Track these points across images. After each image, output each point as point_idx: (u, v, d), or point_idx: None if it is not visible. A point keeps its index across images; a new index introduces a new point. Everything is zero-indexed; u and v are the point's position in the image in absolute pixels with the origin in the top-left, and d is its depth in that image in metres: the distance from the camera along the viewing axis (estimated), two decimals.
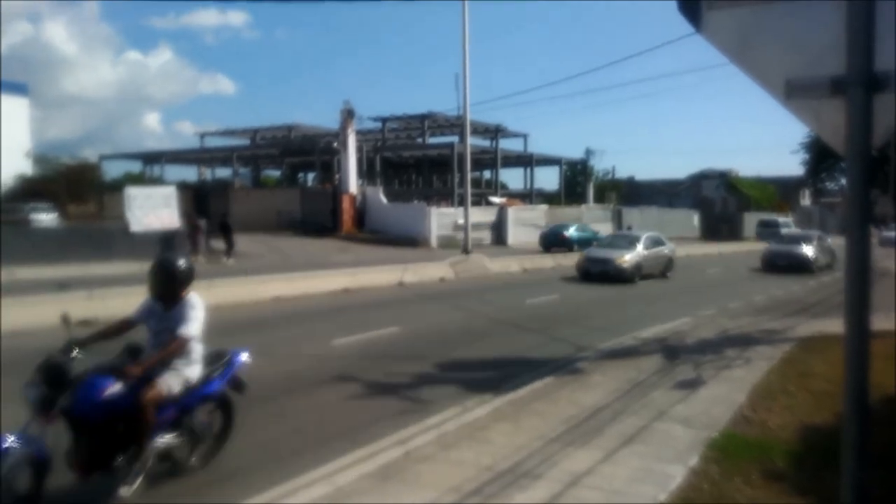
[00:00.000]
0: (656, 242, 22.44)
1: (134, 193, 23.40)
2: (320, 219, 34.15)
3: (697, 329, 11.72)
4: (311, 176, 57.49)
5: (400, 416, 6.58)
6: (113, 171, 72.38)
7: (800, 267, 23.97)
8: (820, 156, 56.37)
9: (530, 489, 4.61)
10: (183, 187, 29.53)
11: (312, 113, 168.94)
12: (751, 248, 41.48)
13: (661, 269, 21.87)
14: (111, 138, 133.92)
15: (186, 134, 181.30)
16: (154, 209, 22.95)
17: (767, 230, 42.47)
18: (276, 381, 8.04)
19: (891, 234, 45.55)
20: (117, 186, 34.68)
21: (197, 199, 30.10)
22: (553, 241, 32.06)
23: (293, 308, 14.09)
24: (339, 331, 11.14)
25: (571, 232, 32.62)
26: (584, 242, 29.69)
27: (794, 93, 2.44)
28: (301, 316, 13.23)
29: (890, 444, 5.14)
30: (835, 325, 10.19)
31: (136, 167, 58.34)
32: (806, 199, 71.42)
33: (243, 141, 55.52)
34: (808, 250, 24.91)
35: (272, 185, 58.57)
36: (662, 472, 4.91)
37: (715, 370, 8.29)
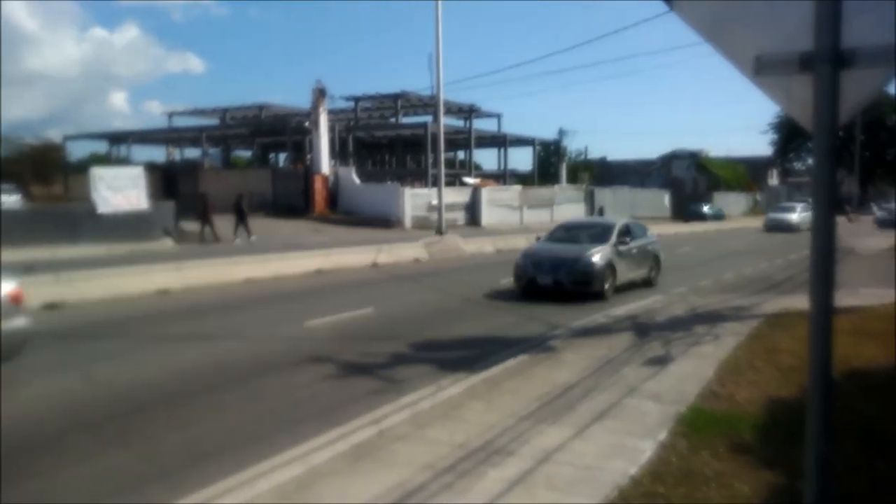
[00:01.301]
0: (635, 234, 15.27)
1: (100, 174, 22.87)
2: (292, 200, 33.79)
3: (668, 307, 11.89)
4: (282, 156, 56.74)
5: (374, 395, 6.59)
6: (78, 151, 70.42)
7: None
8: (788, 136, 57.33)
9: (503, 466, 4.66)
10: (151, 168, 28.94)
11: (284, 92, 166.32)
12: (719, 226, 42.22)
13: (643, 273, 15.09)
14: (76, 118, 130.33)
15: (154, 114, 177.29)
16: (121, 190, 22.49)
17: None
18: (247, 363, 8.00)
19: (886, 214, 45.62)
20: (83, 167, 33.89)
21: (165, 180, 29.56)
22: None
23: (265, 290, 13.98)
24: (312, 312, 11.08)
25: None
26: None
27: (763, 69, 2.44)
28: (273, 297, 13.13)
29: (852, 417, 5.29)
30: (801, 302, 10.43)
31: (102, 148, 56.97)
32: (774, 179, 72.61)
33: (213, 121, 54.47)
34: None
35: (243, 166, 57.75)
36: (633, 446, 4.99)
37: (685, 347, 8.42)
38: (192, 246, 22.08)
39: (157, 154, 59.13)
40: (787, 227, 36.12)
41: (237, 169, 52.63)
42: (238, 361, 8.13)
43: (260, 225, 26.47)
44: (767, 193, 64.56)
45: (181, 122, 55.31)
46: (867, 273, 16.74)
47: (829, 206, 2.29)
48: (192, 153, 58.24)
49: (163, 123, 56.53)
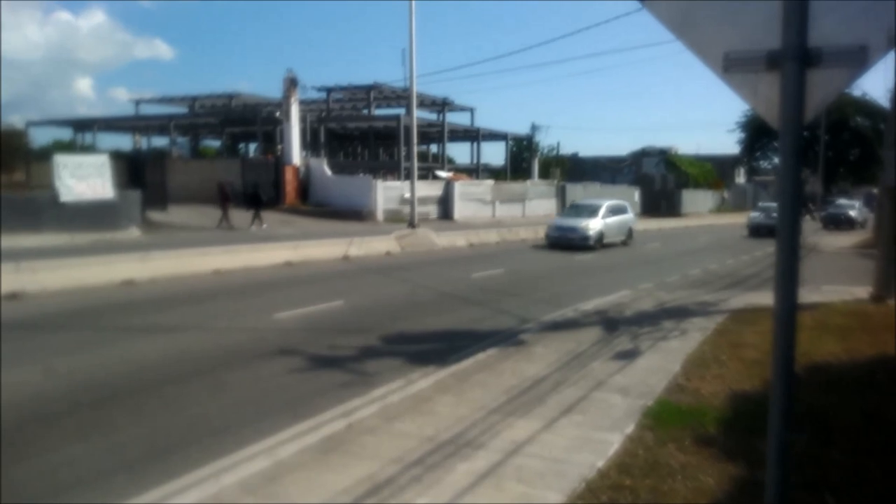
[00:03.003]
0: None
1: (63, 161, 22.27)
2: (263, 190, 33.39)
3: (636, 301, 12.04)
4: (252, 146, 56.01)
5: (343, 388, 6.55)
6: (41, 138, 68.78)
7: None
8: (755, 135, 58.35)
9: (472, 459, 4.67)
10: (116, 156, 28.27)
11: (254, 81, 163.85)
12: (687, 223, 42.87)
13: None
14: (40, 104, 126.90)
15: (121, 100, 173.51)
16: (85, 178, 21.95)
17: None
18: (214, 355, 7.90)
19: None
20: (46, 154, 32.98)
21: (131, 169, 28.89)
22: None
23: (234, 281, 13.80)
24: (281, 304, 10.98)
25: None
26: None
27: (731, 66, 2.47)
28: (242, 289, 12.97)
29: (812, 409, 5.42)
30: (765, 298, 10.66)
31: (66, 134, 55.58)
32: (741, 177, 73.90)
33: (181, 109, 53.46)
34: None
35: (212, 156, 56.81)
36: (600, 439, 5.04)
37: (652, 341, 8.53)
38: (158, 235, 21.70)
39: (124, 142, 58.00)
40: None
41: (206, 159, 51.73)
42: (204, 353, 8.02)
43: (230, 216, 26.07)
44: (734, 191, 65.67)
45: (148, 109, 54.20)
46: (830, 270, 17.16)
47: (795, 203, 2.33)
48: (159, 142, 57.20)
49: (129, 111, 55.28)
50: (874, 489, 4.12)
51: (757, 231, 31.90)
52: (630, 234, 25.53)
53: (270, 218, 26.31)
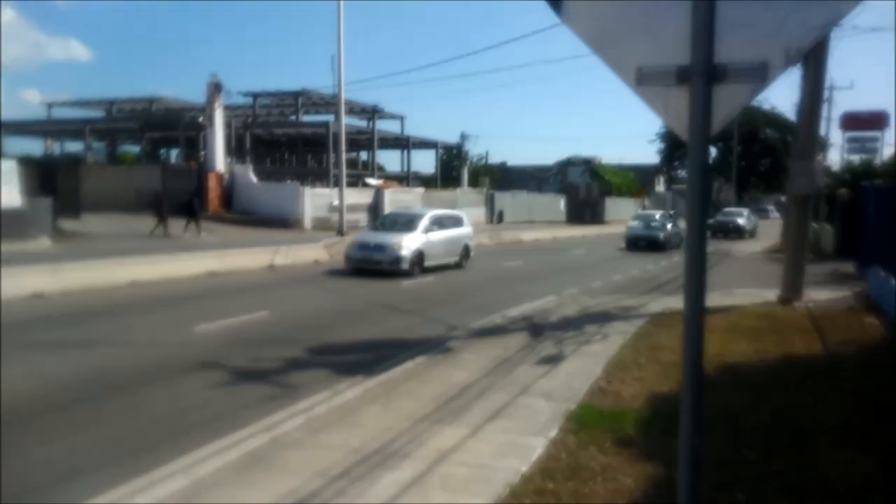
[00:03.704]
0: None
1: None
2: (184, 198, 32.31)
3: (561, 307, 12.30)
4: (174, 152, 54.13)
5: (267, 402, 6.39)
6: None
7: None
8: (673, 145, 60.88)
9: (398, 469, 4.63)
10: (26, 162, 26.73)
11: (177, 85, 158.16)
12: (611, 230, 44.20)
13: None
14: None
15: (33, 103, 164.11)
16: None
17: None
18: (130, 372, 7.55)
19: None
20: None
21: (43, 175, 27.34)
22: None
23: (152, 293, 13.26)
24: (203, 316, 10.62)
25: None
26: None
27: (644, 80, 2.56)
28: (161, 301, 12.47)
29: (725, 408, 5.66)
30: (682, 302, 11.08)
31: None
32: (661, 186, 76.88)
33: (98, 113, 51.14)
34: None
35: (130, 162, 54.56)
36: (525, 444, 5.10)
37: (576, 345, 8.73)
38: (71, 245, 20.61)
39: (35, 147, 54.99)
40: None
41: (124, 164, 49.64)
42: (121, 369, 7.65)
43: (148, 224, 25.08)
44: (655, 199, 68.19)
45: (62, 113, 51.56)
46: (742, 274, 18.05)
47: (703, 210, 2.43)
48: (73, 147, 54.48)
49: (42, 114, 52.46)
50: (782, 485, 4.33)
51: (635, 244, 27.64)
52: (466, 252, 19.60)
53: (192, 226, 25.43)
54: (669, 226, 28.72)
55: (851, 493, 4.28)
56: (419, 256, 17.12)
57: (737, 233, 36.57)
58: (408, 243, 16.97)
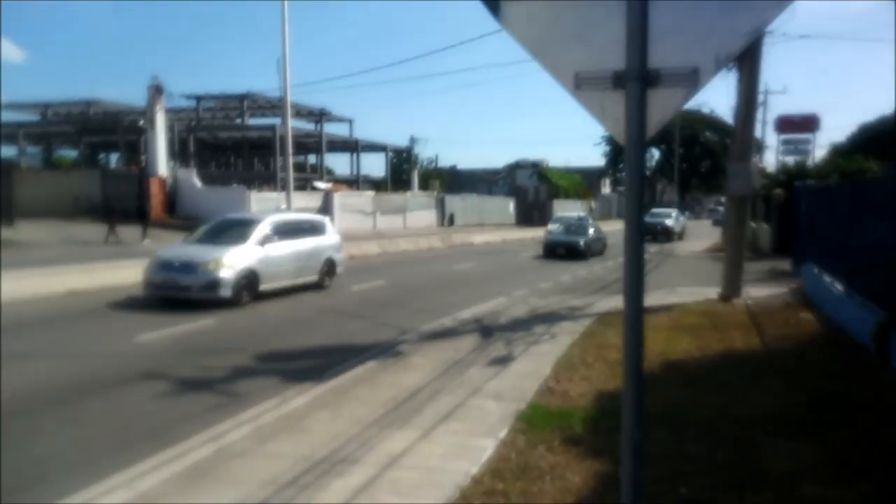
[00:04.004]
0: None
1: None
2: (125, 204, 31.33)
3: (511, 308, 12.41)
4: (114, 157, 52.44)
5: (213, 411, 6.24)
6: None
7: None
8: (618, 148, 62.20)
9: (347, 475, 4.59)
10: None
11: (116, 88, 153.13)
12: None
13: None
14: None
15: None
16: None
17: None
18: (68, 384, 7.27)
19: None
20: None
21: None
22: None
23: (91, 302, 12.78)
24: (144, 326, 10.31)
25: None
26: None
27: (581, 85, 2.61)
28: (100, 311, 12.04)
29: (668, 404, 5.81)
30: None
31: None
32: (607, 188, 78.48)
33: (32, 116, 49.16)
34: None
35: (68, 167, 52.62)
36: (475, 445, 5.13)
37: (525, 346, 8.83)
38: (3, 254, 19.74)
39: None
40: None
41: (61, 170, 47.83)
42: (57, 382, 7.36)
43: (86, 231, 24.24)
44: (601, 201, 69.57)
45: None
46: (684, 273, 18.58)
47: (639, 211, 2.50)
48: (7, 152, 52.19)
49: None
50: (723, 479, 4.46)
51: (552, 251, 24.19)
52: (330, 268, 15.31)
53: (134, 232, 24.68)
54: (591, 231, 26.15)
55: (790, 482, 4.44)
56: (250, 278, 12.64)
57: (665, 235, 34.62)
58: (232, 260, 12.41)
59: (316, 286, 14.74)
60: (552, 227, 27.79)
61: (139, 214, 26.00)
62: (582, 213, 35.12)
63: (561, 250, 24.28)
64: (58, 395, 6.87)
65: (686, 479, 4.36)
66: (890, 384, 6.72)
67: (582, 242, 24.60)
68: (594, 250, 25.23)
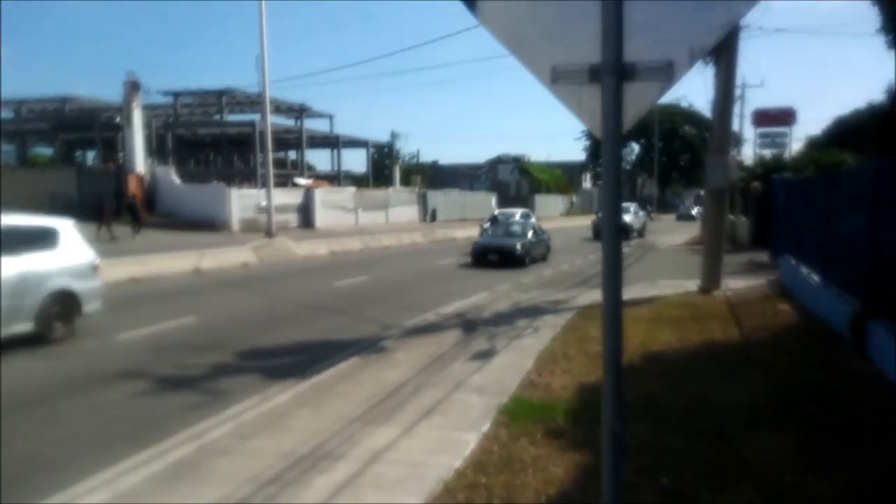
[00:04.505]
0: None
1: None
2: (102, 201, 30.97)
3: (493, 303, 12.45)
4: (91, 154, 51.71)
5: (193, 410, 6.20)
6: None
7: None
8: (598, 142, 62.78)
9: (330, 471, 4.59)
10: None
11: (92, 84, 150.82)
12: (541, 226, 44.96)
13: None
14: None
15: None
16: None
17: None
18: (47, 383, 7.19)
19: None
20: None
21: None
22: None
23: None
24: (124, 324, 10.20)
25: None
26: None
27: (558, 79, 2.62)
28: None
29: (649, 396, 5.87)
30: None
31: None
32: (587, 182, 78.87)
33: (6, 113, 48.34)
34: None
35: (43, 164, 51.81)
36: (459, 439, 5.15)
37: (508, 340, 8.87)
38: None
39: None
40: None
41: (37, 168, 47.09)
42: (35, 382, 7.26)
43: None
44: (581, 195, 69.94)
45: None
46: (665, 266, 18.75)
47: (616, 203, 2.52)
48: None
49: None
50: (703, 468, 4.52)
51: (482, 256, 19.72)
52: (67, 308, 9.33)
53: (112, 230, 24.40)
54: (531, 233, 21.27)
55: (768, 469, 4.51)
56: None
57: (622, 232, 33.04)
58: None
59: (39, 338, 8.81)
60: (486, 226, 23.95)
61: (129, 211, 26.11)
62: (526, 210, 31.29)
63: (493, 256, 19.50)
64: (35, 395, 6.77)
65: (666, 469, 4.41)
66: (866, 373, 6.84)
67: (519, 246, 19.81)
68: (534, 255, 20.60)
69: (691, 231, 34.67)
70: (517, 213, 28.62)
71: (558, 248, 25.97)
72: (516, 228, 22.15)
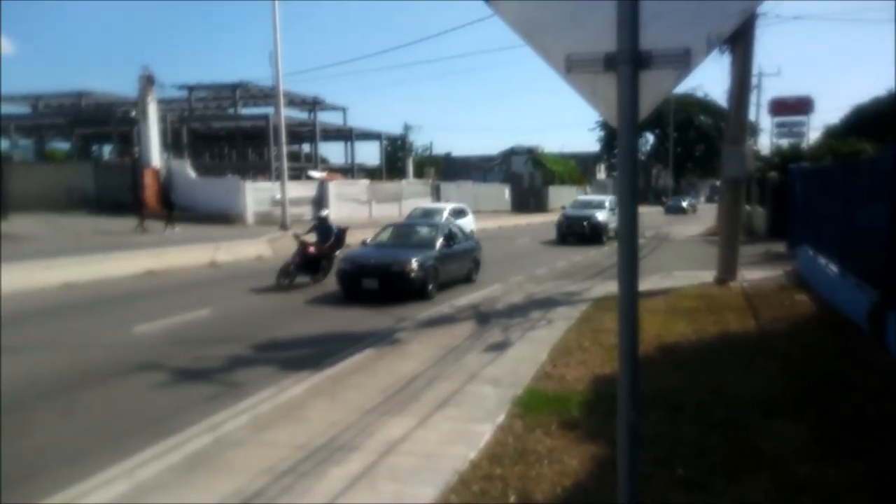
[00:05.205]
0: None
1: None
2: (119, 195, 31.19)
3: (507, 295, 12.42)
4: (107, 149, 52.15)
5: (210, 401, 6.25)
6: None
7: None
8: (613, 133, 62.27)
9: (345, 462, 4.61)
10: None
11: (108, 79, 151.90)
12: (554, 218, 44.79)
13: None
14: None
15: None
16: None
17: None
18: (66, 375, 7.28)
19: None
20: None
21: None
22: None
23: (87, 295, 12.77)
24: (141, 317, 10.30)
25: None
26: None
27: (573, 68, 2.60)
28: (97, 303, 12.02)
29: (664, 387, 5.83)
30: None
31: None
32: (602, 173, 78.40)
33: (23, 108, 48.81)
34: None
35: (61, 159, 52.33)
36: (473, 431, 5.15)
37: (522, 332, 8.85)
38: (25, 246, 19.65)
39: None
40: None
41: (54, 162, 47.56)
42: (55, 374, 7.36)
43: (80, 223, 24.15)
44: (596, 186, 69.55)
45: None
46: (680, 257, 18.61)
47: (633, 194, 2.49)
48: None
49: None
50: (718, 460, 4.49)
51: (354, 285, 12.15)
52: None
53: (128, 224, 24.62)
54: (440, 243, 13.23)
55: (784, 460, 4.47)
56: None
57: (593, 235, 24.41)
58: None
59: None
60: (384, 235, 14.62)
61: (164, 204, 26.49)
62: (461, 206, 25.10)
63: (370, 283, 12.03)
64: (53, 386, 6.87)
65: (682, 460, 4.38)
66: (884, 364, 6.76)
67: (415, 265, 12.06)
68: (451, 274, 13.41)
69: (706, 222, 34.37)
70: (446, 208, 23.34)
71: (510, 256, 20.14)
72: (422, 237, 13.96)
